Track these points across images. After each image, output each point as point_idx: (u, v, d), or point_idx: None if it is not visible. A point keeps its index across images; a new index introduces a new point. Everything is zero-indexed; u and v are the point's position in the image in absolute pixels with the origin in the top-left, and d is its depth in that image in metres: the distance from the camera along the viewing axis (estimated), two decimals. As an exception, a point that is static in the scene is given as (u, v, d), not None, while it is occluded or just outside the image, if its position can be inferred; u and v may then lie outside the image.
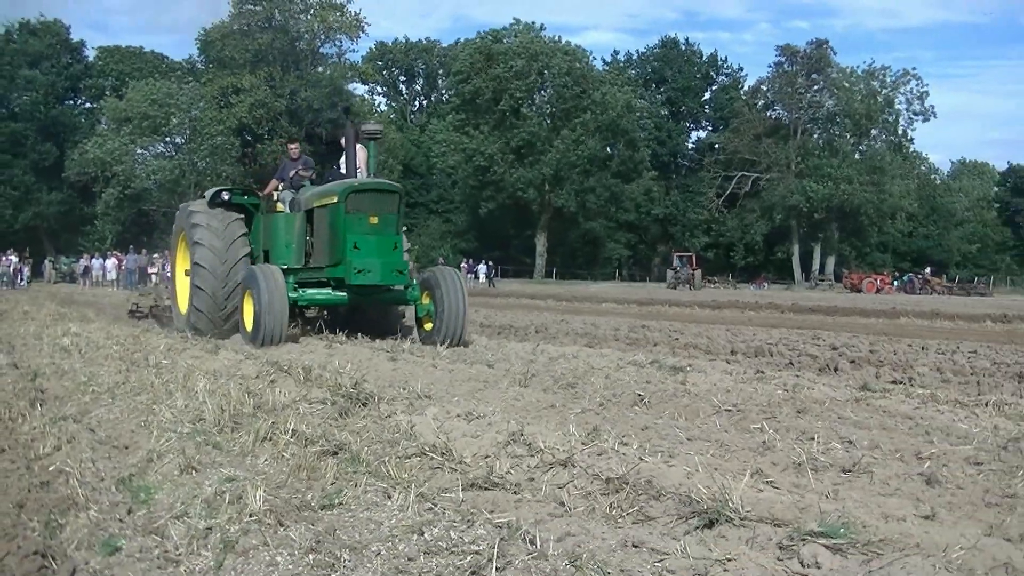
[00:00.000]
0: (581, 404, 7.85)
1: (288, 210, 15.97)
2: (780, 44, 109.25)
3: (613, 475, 5.01)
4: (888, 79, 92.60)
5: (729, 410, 7.45)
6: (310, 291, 14.78)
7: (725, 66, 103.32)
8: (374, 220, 14.03)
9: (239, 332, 14.94)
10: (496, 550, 3.81)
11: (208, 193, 16.41)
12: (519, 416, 7.07)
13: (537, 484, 5.13)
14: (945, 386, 10.17)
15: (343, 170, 15.74)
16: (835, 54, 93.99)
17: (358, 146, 15.71)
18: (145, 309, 21.27)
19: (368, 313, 16.24)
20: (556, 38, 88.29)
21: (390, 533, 4.19)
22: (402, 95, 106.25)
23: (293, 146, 17.49)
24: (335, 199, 14.11)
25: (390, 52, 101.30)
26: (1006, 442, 6.28)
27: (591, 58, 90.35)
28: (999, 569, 3.59)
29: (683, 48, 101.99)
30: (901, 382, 10.31)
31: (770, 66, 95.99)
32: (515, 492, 5.01)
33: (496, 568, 3.69)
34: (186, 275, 16.43)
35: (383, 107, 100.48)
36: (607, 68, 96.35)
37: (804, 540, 3.78)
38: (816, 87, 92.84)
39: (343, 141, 15.98)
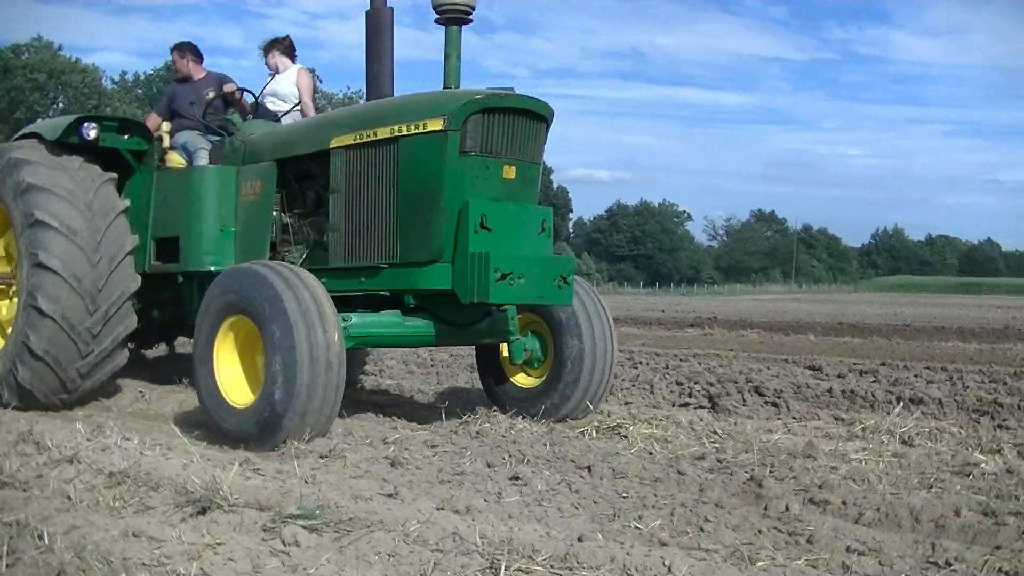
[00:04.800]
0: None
1: (200, 163, 8.01)
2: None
3: (116, 469, 4.95)
4: (359, 101, 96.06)
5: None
6: (356, 318, 6.42)
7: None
8: (511, 173, 6.48)
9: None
10: (6, 547, 3.71)
11: (50, 126, 7.82)
12: (28, 416, 6.80)
13: (45, 480, 4.92)
14: (410, 377, 10.62)
15: (273, 103, 8.71)
16: (321, 81, 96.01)
17: (298, 66, 8.89)
18: None
19: None
20: (72, 57, 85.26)
21: None
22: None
23: (186, 59, 8.93)
24: (440, 125, 6.21)
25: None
26: (458, 425, 6.83)
27: (103, 76, 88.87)
28: (448, 539, 3.83)
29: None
30: (372, 374, 10.69)
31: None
32: (24, 490, 4.78)
33: (7, 565, 3.59)
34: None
35: None
36: (117, 86, 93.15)
37: (285, 522, 3.91)
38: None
39: (275, 63, 8.94)
